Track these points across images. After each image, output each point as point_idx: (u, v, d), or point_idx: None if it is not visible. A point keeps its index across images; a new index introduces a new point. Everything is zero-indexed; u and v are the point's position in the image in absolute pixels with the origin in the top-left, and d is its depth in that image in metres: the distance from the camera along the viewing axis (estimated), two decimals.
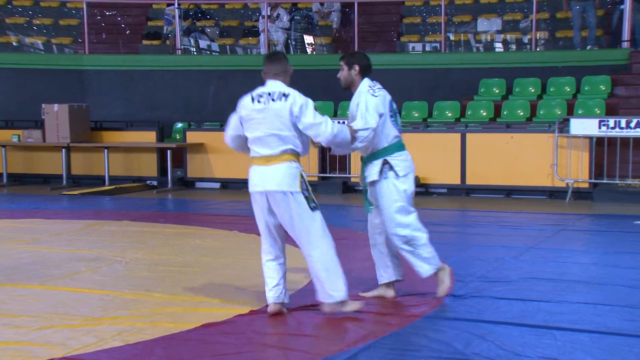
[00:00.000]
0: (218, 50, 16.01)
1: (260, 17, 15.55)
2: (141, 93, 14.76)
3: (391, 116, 5.35)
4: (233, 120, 5.15)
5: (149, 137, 13.62)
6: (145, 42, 16.28)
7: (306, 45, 15.77)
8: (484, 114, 12.78)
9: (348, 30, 15.44)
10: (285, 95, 4.90)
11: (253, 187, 4.98)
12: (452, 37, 15.31)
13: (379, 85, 5.45)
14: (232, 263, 6.81)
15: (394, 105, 5.47)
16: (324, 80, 14.19)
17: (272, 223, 4.99)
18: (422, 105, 13.39)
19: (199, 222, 9.23)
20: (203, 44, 16.06)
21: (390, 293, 5.53)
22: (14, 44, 16.33)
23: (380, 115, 5.24)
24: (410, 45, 15.38)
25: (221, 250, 7.49)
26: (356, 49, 14.47)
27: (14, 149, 14.02)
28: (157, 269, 6.51)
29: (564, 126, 11.30)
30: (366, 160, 5.37)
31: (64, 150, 13.42)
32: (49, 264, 6.70)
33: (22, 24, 16.84)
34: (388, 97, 5.41)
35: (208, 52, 15.97)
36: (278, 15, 15.34)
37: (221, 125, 13.77)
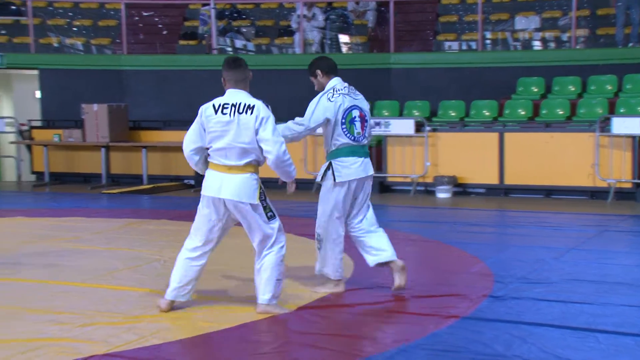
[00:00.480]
0: (254, 49, 16.07)
1: (296, 17, 15.58)
2: (178, 93, 14.87)
3: (343, 123, 5.51)
4: (194, 132, 5.14)
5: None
6: (182, 42, 16.40)
7: (341, 45, 15.76)
8: (522, 113, 12.65)
9: (383, 29, 15.39)
10: (251, 108, 4.94)
11: (210, 191, 5.03)
12: (489, 36, 15.18)
13: (344, 90, 5.59)
14: None
15: (355, 113, 5.57)
16: (359, 80, 14.14)
17: (218, 227, 5.08)
18: (459, 105, 13.30)
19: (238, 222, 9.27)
20: (239, 43, 16.12)
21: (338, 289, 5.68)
22: (55, 45, 16.55)
23: (327, 120, 5.47)
24: (447, 44, 15.28)
25: None
26: (392, 48, 14.43)
27: (55, 149, 14.23)
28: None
29: (605, 125, 11.14)
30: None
31: (103, 149, 13.58)
32: (90, 262, 6.79)
33: (63, 26, 17.06)
34: (347, 104, 5.53)
35: (244, 52, 16.04)
36: (313, 15, 15.36)
37: None
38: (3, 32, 16.47)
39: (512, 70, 13.44)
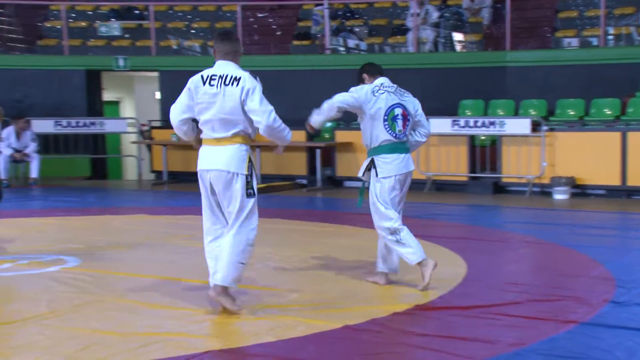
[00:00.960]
0: (366, 49, 16.08)
1: (409, 15, 15.48)
2: (291, 92, 15.06)
3: (385, 120, 5.68)
4: (181, 103, 5.11)
5: (298, 136, 13.86)
6: (295, 42, 16.61)
7: (455, 43, 15.54)
8: None
9: (499, 27, 15.07)
10: (237, 79, 4.92)
11: (201, 165, 5.05)
12: (611, 31, 14.59)
13: (391, 89, 5.80)
14: None
15: (398, 111, 5.73)
16: (474, 79, 13.98)
17: (214, 202, 5.07)
18: (578, 103, 12.87)
19: (348, 221, 9.31)
20: (351, 43, 16.17)
21: (381, 281, 5.88)
22: (174, 47, 17.11)
23: (352, 107, 5.74)
24: (566, 40, 14.80)
25: (369, 249, 7.51)
26: (508, 45, 14.12)
27: (173, 148, 14.69)
28: (307, 267, 6.62)
29: None
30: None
31: None
32: (204, 260, 6.95)
33: (182, 28, 17.62)
34: (390, 102, 5.71)
35: (356, 52, 16.07)
36: (427, 13, 15.22)
37: None
38: (127, 36, 17.15)
39: (636, 66, 12.89)
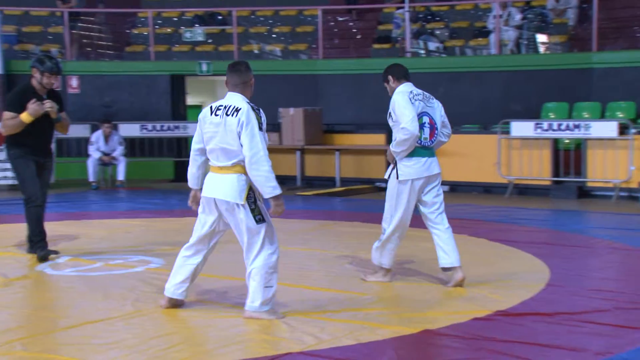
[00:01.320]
0: (447, 52, 15.93)
1: (491, 17, 15.26)
2: (371, 96, 15.04)
3: None
4: (197, 134, 5.25)
5: (378, 139, 13.87)
6: (375, 46, 16.59)
7: (538, 45, 15.23)
8: None
9: (585, 27, 14.70)
10: (237, 110, 5.01)
11: (204, 192, 5.16)
12: None
13: (420, 97, 5.91)
14: (463, 267, 6.72)
15: (425, 120, 5.87)
16: (558, 81, 13.66)
17: (209, 227, 5.18)
18: None
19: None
20: (432, 46, 16.05)
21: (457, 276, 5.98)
22: (256, 51, 17.33)
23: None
24: None
25: None
26: (594, 46, 13.75)
27: None
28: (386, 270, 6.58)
29: None
30: None
31: (298, 152, 14.03)
32: (285, 262, 7.02)
33: (263, 33, 17.84)
34: (419, 110, 5.84)
35: (437, 55, 15.94)
36: (510, 14, 14.97)
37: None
38: (210, 41, 17.48)
39: None
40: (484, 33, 15.65)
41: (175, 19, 18.55)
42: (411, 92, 5.90)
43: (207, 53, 17.12)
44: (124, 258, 7.18)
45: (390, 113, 5.91)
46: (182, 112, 16.64)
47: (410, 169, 5.85)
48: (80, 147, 15.28)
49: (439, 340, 4.59)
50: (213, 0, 18.98)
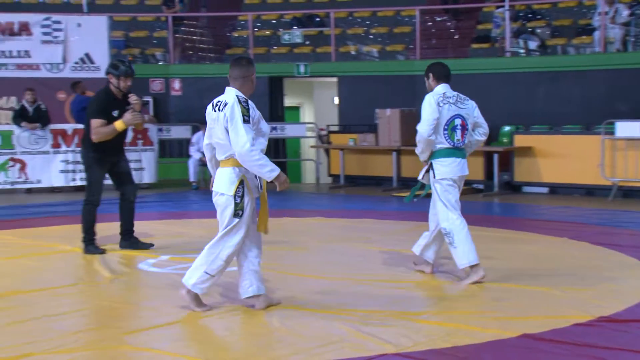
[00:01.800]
0: (547, 51, 15.52)
1: (596, 14, 14.78)
2: (469, 96, 14.83)
3: (445, 130, 6.11)
4: (207, 129, 5.44)
5: None
6: (474, 45, 16.34)
7: None
8: None
9: None
10: (225, 105, 5.13)
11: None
12: None
13: (452, 99, 6.15)
14: (564, 271, 6.54)
15: (457, 122, 6.13)
16: None
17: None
18: None
19: (527, 227, 9.03)
20: (532, 45, 15.66)
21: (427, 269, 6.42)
22: (352, 53, 17.37)
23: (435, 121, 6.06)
24: None
25: (549, 257, 7.25)
26: None
27: (350, 152, 14.91)
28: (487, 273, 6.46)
29: None
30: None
31: (394, 153, 13.96)
32: (380, 263, 7.00)
33: (360, 34, 17.86)
34: (451, 113, 6.10)
35: (537, 54, 15.55)
36: (617, 11, 14.45)
37: (550, 129, 13.35)
38: (307, 43, 17.62)
39: None
40: (588, 31, 15.16)
41: (274, 21, 18.80)
42: (444, 94, 6.15)
43: (305, 55, 17.27)
44: None
45: None
46: (280, 114, 16.84)
47: (446, 167, 6.15)
48: (181, 148, 15.68)
49: (538, 345, 4.48)
50: (312, 3, 19.14)
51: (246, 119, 5.08)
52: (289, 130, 16.03)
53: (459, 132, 6.15)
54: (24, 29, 15.52)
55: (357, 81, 16.04)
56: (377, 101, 15.06)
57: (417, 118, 14.16)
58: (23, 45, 15.52)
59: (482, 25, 16.97)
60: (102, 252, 7.46)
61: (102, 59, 15.83)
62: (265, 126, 5.26)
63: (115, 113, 7.38)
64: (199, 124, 14.68)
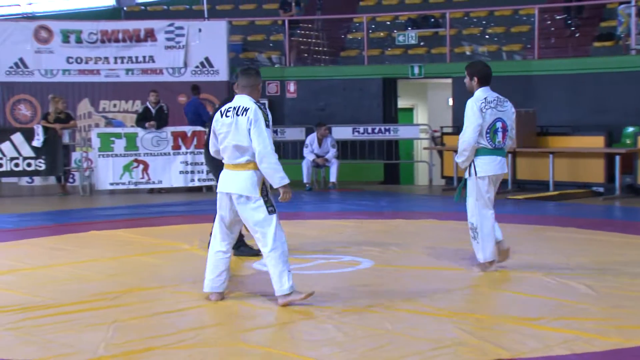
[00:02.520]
0: None
1: None
2: (589, 97, 14.34)
3: (487, 133, 6.36)
4: (210, 138, 5.75)
5: (596, 142, 13.17)
6: (596, 44, 15.78)
7: None
8: None
9: None
10: (246, 110, 5.43)
11: (219, 187, 5.61)
12: None
13: (493, 103, 6.39)
14: None
15: (498, 125, 6.38)
16: None
17: (228, 220, 5.61)
18: None
19: None
20: None
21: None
22: (468, 53, 17.12)
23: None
24: None
25: None
26: None
27: None
28: (602, 279, 6.22)
29: None
30: None
31: (510, 155, 13.65)
32: (495, 266, 6.86)
33: (476, 34, 17.58)
34: (493, 117, 6.35)
35: None
36: None
37: None
38: (422, 43, 17.49)
39: None
40: None
41: (389, 22, 18.77)
42: (485, 98, 6.36)
43: (419, 56, 17.16)
44: (335, 258, 7.36)
45: None
46: (393, 115, 16.80)
47: (487, 166, 6.36)
48: (295, 150, 15.89)
49: None
50: (427, 3, 18.99)
51: (267, 124, 5.43)
52: (402, 132, 15.97)
53: (500, 134, 6.40)
54: (150, 35, 16.17)
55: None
56: None
57: (534, 119, 13.93)
58: (148, 51, 16.17)
59: (605, 23, 16.36)
60: (256, 253, 7.15)
61: (221, 62, 16.31)
62: (272, 131, 5.61)
63: None
64: (314, 126, 14.84)
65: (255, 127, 5.38)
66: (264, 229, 5.46)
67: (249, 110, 5.44)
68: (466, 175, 6.53)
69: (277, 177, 5.41)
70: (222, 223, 5.68)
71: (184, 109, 14.58)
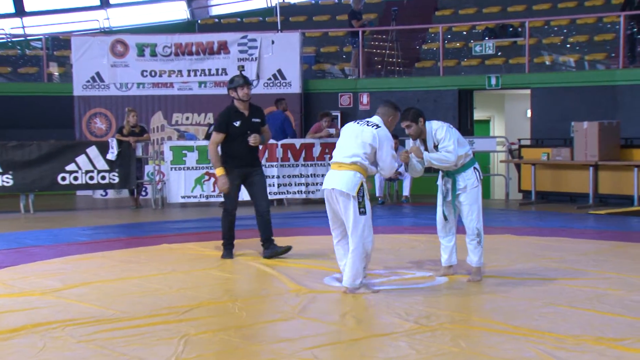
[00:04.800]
0: None
1: None
2: None
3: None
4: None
5: None
6: None
7: None
8: None
9: None
10: (377, 126, 6.34)
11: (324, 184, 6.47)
12: None
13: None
14: None
15: None
16: None
17: (335, 213, 6.39)
18: None
19: None
20: None
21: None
22: (547, 63, 16.83)
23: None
24: None
25: None
26: None
27: (542, 167, 14.44)
28: None
29: None
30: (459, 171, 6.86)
31: (591, 168, 13.35)
32: (578, 284, 6.71)
33: (557, 43, 17.26)
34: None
35: None
36: None
37: None
38: (499, 54, 17.28)
39: None
40: None
41: (465, 32, 18.62)
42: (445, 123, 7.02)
43: (496, 66, 16.96)
44: (409, 273, 7.32)
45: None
46: (469, 127, 16.63)
47: (479, 172, 6.98)
48: None
49: None
50: (506, 12, 18.77)
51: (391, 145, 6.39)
52: (479, 145, 15.76)
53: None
54: (223, 47, 16.46)
55: (551, 93, 15.53)
56: (573, 113, 14.50)
57: (618, 131, 13.55)
58: (221, 64, 16.47)
59: None
60: (231, 257, 8.21)
61: (294, 74, 16.45)
62: None
63: (237, 123, 8.12)
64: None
65: (380, 144, 6.36)
66: (353, 227, 6.21)
67: (379, 128, 6.39)
68: (462, 185, 6.83)
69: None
70: (332, 217, 6.53)
71: (267, 121, 14.77)
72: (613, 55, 15.92)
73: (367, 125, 6.34)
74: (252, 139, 8.13)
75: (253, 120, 8.27)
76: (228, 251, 8.33)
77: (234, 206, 8.35)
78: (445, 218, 6.95)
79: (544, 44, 17.30)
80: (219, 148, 8.18)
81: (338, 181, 6.24)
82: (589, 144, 13.20)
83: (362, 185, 6.19)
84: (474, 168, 6.94)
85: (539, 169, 14.44)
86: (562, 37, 17.34)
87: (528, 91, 16.00)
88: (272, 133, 14.29)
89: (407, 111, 6.81)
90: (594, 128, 13.16)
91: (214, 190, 13.87)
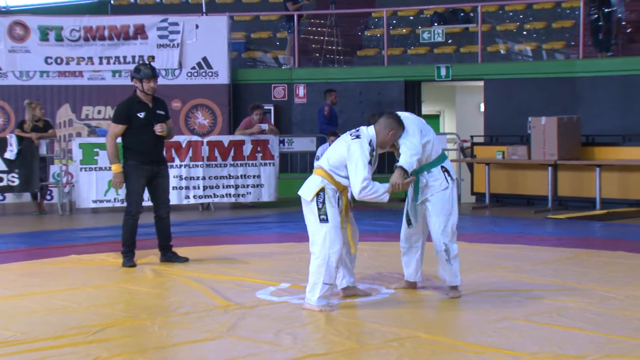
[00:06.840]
0: None
1: None
2: None
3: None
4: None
5: None
6: None
7: None
8: None
9: None
10: (357, 137, 6.39)
11: None
12: None
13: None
14: None
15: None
16: None
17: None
18: None
19: None
20: None
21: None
22: (502, 52, 17.13)
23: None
24: None
25: None
26: None
27: (497, 167, 14.67)
28: None
29: None
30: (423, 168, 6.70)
31: (550, 168, 13.62)
32: (535, 296, 6.84)
33: (512, 30, 17.57)
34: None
35: None
36: None
37: None
38: (450, 41, 17.49)
39: None
40: None
41: (412, 18, 18.82)
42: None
43: (447, 55, 17.18)
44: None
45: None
46: None
47: (448, 172, 6.78)
48: (305, 162, 15.90)
49: None
50: None
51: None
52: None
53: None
54: (140, 32, 16.27)
55: (506, 85, 15.80)
56: (530, 108, 14.78)
57: (578, 127, 13.86)
58: (137, 50, 16.28)
59: None
60: (134, 265, 8.37)
61: (221, 63, 16.36)
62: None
63: (142, 114, 8.41)
64: (326, 135, 14.86)
65: (352, 158, 6.36)
66: (313, 235, 6.36)
67: (355, 139, 6.40)
68: (424, 183, 6.71)
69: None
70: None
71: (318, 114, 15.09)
72: (572, 43, 16.29)
73: (350, 134, 6.47)
74: (159, 128, 8.37)
75: (158, 112, 8.56)
76: (128, 259, 8.45)
77: (138, 209, 8.53)
78: (409, 222, 6.88)
79: (498, 31, 17.61)
80: (121, 142, 8.44)
81: (302, 187, 6.49)
82: (548, 141, 13.46)
83: (322, 190, 6.31)
84: (442, 167, 6.73)
85: (494, 169, 14.68)
86: (517, 24, 17.68)
87: (481, 83, 16.25)
88: (319, 127, 14.90)
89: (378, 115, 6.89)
90: (553, 124, 13.41)
91: None
